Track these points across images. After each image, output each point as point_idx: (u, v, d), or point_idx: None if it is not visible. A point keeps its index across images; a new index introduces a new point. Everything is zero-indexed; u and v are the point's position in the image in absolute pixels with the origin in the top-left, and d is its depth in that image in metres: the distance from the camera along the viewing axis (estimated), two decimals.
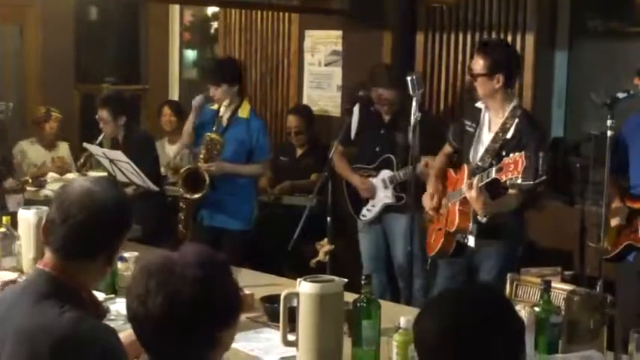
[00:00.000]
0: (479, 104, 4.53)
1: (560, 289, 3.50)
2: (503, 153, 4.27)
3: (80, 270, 2.30)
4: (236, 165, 5.46)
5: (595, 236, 4.69)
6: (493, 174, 4.10)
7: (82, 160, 6.10)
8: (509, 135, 4.33)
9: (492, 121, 4.45)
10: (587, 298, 3.08)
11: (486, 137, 4.44)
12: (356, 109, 5.47)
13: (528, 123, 4.37)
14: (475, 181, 4.19)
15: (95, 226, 2.29)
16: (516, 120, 4.34)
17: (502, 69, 4.36)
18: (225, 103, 5.42)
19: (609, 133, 4.32)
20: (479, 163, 4.37)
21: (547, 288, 3.11)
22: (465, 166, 4.43)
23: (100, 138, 5.99)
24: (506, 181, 4.07)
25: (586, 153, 5.54)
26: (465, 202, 4.32)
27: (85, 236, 2.29)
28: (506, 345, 1.83)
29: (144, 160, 5.66)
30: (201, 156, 5.41)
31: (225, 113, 5.47)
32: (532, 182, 4.21)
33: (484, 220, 4.29)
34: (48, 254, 2.32)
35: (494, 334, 1.80)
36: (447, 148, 4.75)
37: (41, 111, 7.22)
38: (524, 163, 3.93)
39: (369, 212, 5.54)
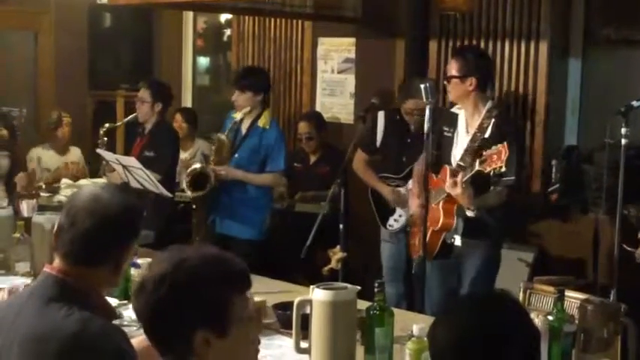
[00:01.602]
0: (455, 109, 4.68)
1: (574, 297, 3.49)
2: (483, 153, 4.35)
3: (88, 276, 2.30)
4: (247, 173, 5.45)
5: (634, 242, 4.67)
6: (477, 166, 4.22)
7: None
8: (487, 134, 4.46)
9: (469, 124, 4.59)
10: (601, 307, 3.07)
11: (464, 139, 4.57)
12: (381, 117, 5.49)
13: (505, 122, 4.57)
14: (459, 177, 4.29)
15: (102, 232, 2.30)
16: (493, 120, 4.48)
17: (474, 72, 4.55)
18: (246, 110, 5.41)
19: (623, 141, 4.32)
20: (460, 163, 4.49)
21: (561, 297, 3.10)
22: (447, 167, 4.52)
23: (132, 117, 6.00)
24: (490, 172, 4.18)
25: (600, 161, 5.53)
26: (448, 200, 4.43)
27: (91, 242, 2.30)
28: (522, 354, 1.82)
29: (164, 153, 5.70)
30: (212, 158, 5.41)
31: (245, 121, 5.45)
32: (514, 177, 4.37)
33: (473, 214, 4.38)
34: (57, 259, 2.33)
35: (510, 342, 1.80)
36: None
37: (53, 116, 7.25)
38: (507, 153, 4.06)
39: (396, 222, 5.51)
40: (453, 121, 4.64)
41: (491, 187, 4.44)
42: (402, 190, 5.45)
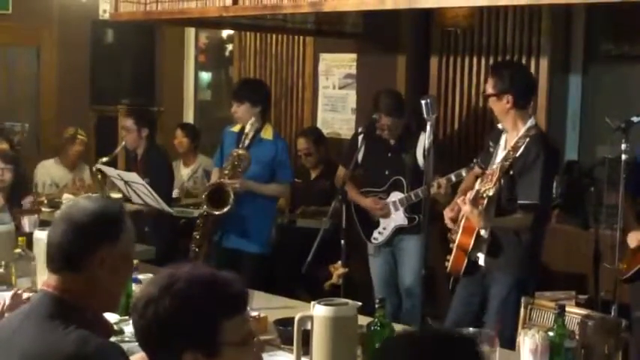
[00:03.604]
0: (500, 125, 4.60)
1: (575, 313, 3.48)
2: (511, 172, 4.33)
3: (73, 285, 2.28)
4: (260, 184, 5.45)
5: (610, 258, 4.68)
6: (477, 186, 4.22)
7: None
8: (518, 154, 4.36)
9: (508, 141, 4.50)
10: (601, 323, 3.08)
11: (500, 156, 4.49)
12: (361, 135, 5.50)
13: (539, 144, 4.40)
14: (468, 195, 4.27)
15: (71, 234, 2.29)
16: (527, 139, 4.38)
17: (510, 89, 4.43)
18: (251, 121, 5.40)
19: (623, 156, 4.33)
20: None
21: (561, 312, 3.10)
22: (477, 184, 4.48)
23: (120, 147, 6.00)
24: (483, 192, 4.16)
25: (600, 176, 5.53)
26: (468, 218, 4.38)
27: (64, 245, 2.29)
28: None
29: (158, 179, 5.69)
30: (226, 172, 5.38)
31: (246, 134, 5.45)
32: (536, 202, 4.30)
33: (484, 233, 4.33)
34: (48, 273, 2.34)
35: None
36: (477, 170, 4.79)
37: (69, 132, 7.28)
38: (498, 174, 4.06)
39: (380, 235, 5.53)
40: (497, 137, 4.59)
41: (517, 212, 4.37)
42: (385, 200, 5.46)
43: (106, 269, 2.30)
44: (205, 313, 1.98)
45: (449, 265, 4.51)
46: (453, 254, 4.49)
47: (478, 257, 4.47)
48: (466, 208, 4.25)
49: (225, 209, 5.27)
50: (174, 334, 1.97)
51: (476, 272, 4.52)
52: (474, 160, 4.87)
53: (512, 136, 4.47)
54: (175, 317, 1.97)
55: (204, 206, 5.38)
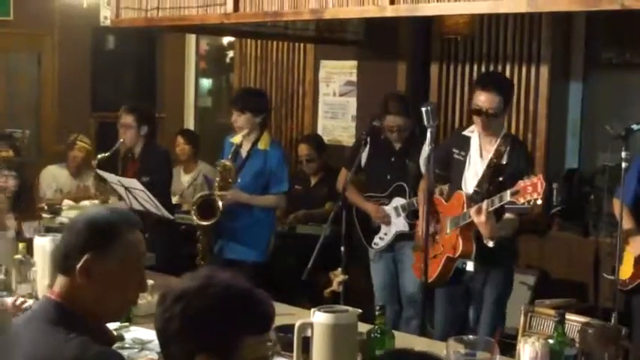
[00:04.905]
0: (467, 132, 4.62)
1: (575, 320, 3.48)
2: (500, 179, 4.37)
3: (72, 292, 2.28)
4: (252, 196, 5.43)
5: (609, 267, 4.69)
6: (508, 197, 4.17)
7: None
8: (504, 161, 4.43)
9: (484, 148, 4.53)
10: (601, 331, 3.07)
11: (479, 164, 4.51)
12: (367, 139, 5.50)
13: (520, 149, 4.56)
14: (484, 205, 4.26)
15: (66, 236, 2.33)
16: (509, 147, 4.45)
17: (510, 100, 4.57)
18: (244, 132, 5.38)
19: (624, 164, 4.34)
20: (477, 189, 4.46)
21: (561, 320, 3.10)
22: (462, 194, 4.49)
23: (117, 145, 5.90)
24: (524, 203, 4.13)
25: (600, 184, 5.54)
26: (467, 227, 4.40)
27: (59, 246, 2.33)
28: None
29: (159, 177, 5.67)
30: (216, 184, 5.39)
31: (244, 144, 5.44)
32: (528, 206, 4.30)
33: (491, 244, 4.35)
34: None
35: None
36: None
37: (70, 138, 7.27)
38: (544, 185, 4.02)
39: (381, 240, 5.52)
40: (464, 143, 4.59)
41: (506, 215, 4.41)
42: (386, 208, 5.46)
43: (94, 279, 2.27)
44: (232, 322, 1.99)
45: (433, 274, 4.51)
46: (441, 264, 4.53)
47: (466, 264, 4.52)
48: (482, 219, 4.24)
49: (212, 221, 5.29)
50: (195, 334, 1.97)
51: (460, 278, 4.57)
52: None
53: (488, 141, 4.51)
54: (201, 319, 1.97)
55: (194, 217, 5.39)
